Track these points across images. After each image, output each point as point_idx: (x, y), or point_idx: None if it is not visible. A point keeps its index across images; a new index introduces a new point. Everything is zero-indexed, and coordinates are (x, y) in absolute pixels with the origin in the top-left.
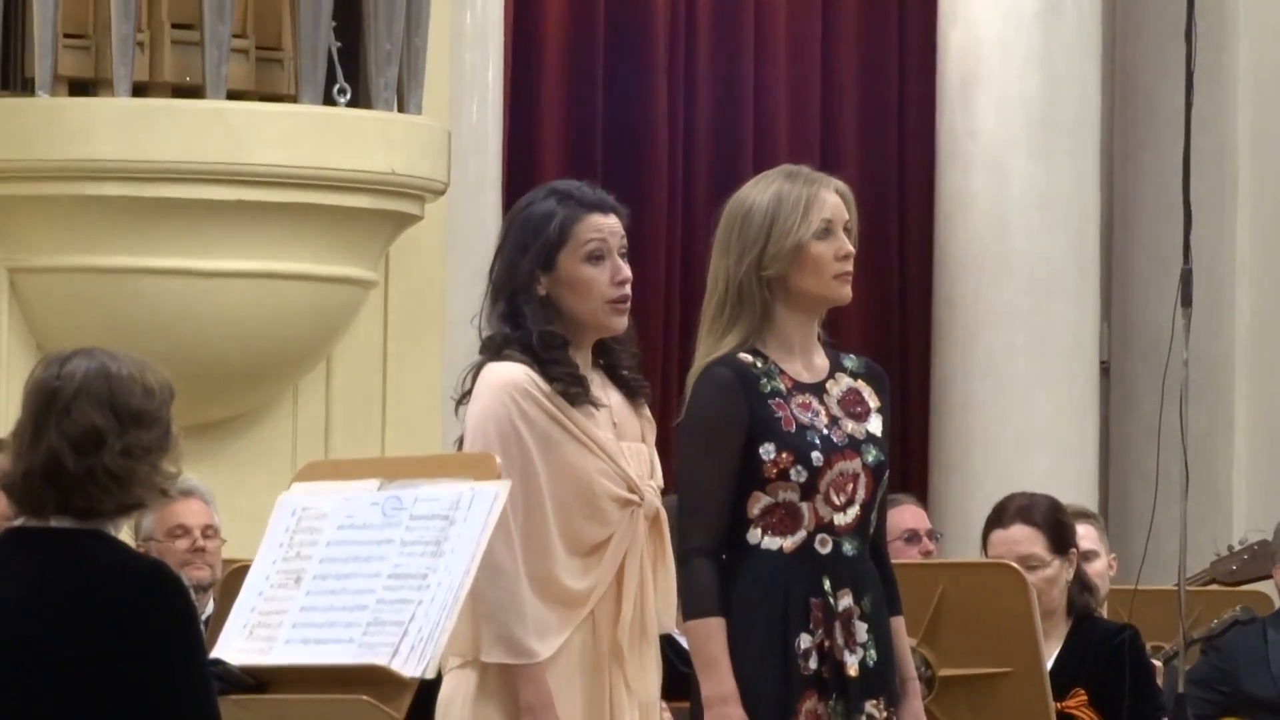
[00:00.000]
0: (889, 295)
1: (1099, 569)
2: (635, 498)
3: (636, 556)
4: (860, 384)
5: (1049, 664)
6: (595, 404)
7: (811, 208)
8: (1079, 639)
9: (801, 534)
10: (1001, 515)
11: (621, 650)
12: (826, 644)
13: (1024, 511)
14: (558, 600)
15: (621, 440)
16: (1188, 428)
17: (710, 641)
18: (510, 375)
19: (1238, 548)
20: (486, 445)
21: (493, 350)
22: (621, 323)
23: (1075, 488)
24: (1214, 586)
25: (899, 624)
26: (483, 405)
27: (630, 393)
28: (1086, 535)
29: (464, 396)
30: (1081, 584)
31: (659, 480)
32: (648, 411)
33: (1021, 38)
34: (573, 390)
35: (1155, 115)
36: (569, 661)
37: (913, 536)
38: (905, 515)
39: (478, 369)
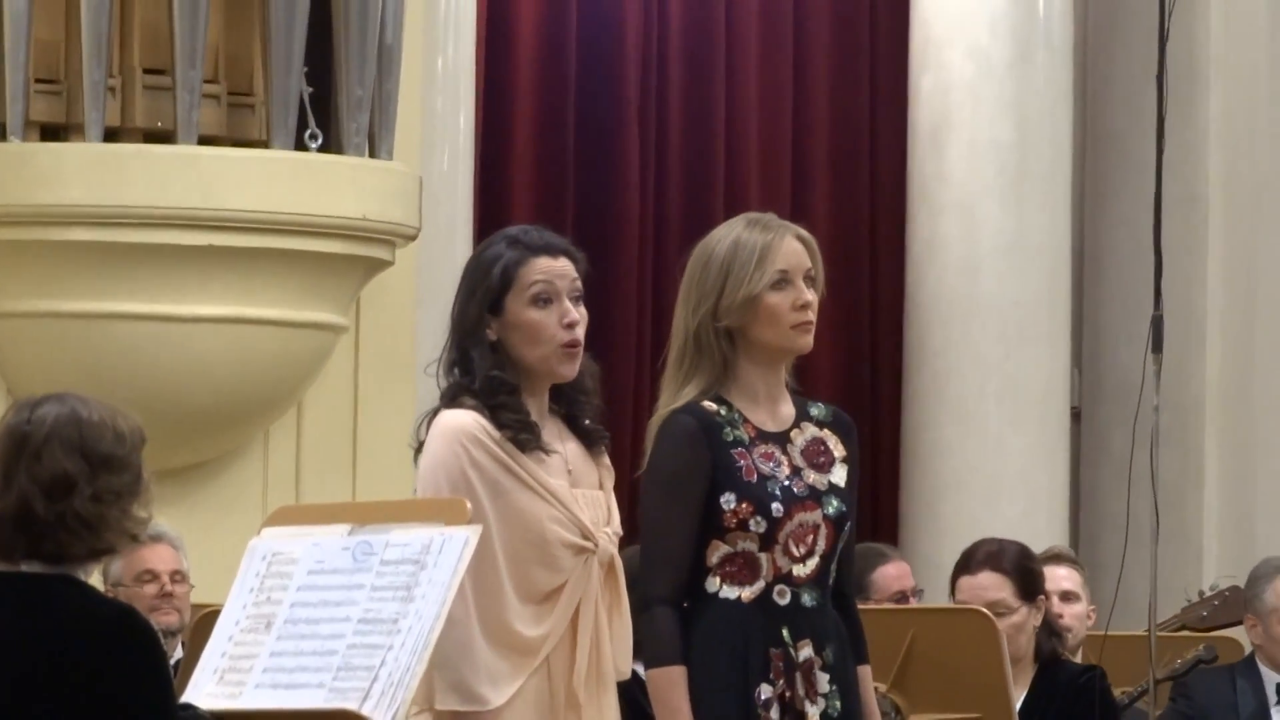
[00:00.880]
0: (859, 341)
1: (1079, 611)
2: (589, 544)
3: (591, 603)
4: (826, 433)
5: (1016, 708)
6: (545, 450)
7: (766, 258)
8: (1045, 682)
9: (760, 584)
10: (969, 561)
11: (578, 698)
12: (788, 694)
13: (992, 558)
14: (511, 647)
15: (577, 487)
16: (1158, 473)
17: (672, 690)
18: (459, 422)
19: (1208, 594)
20: (438, 494)
21: (449, 398)
22: (572, 370)
23: (1046, 533)
24: (1184, 632)
25: (865, 673)
26: (433, 454)
27: (589, 441)
28: (1069, 577)
29: (421, 445)
30: (1050, 629)
31: (616, 527)
32: (606, 459)
33: (992, 84)
34: (522, 437)
35: (1126, 161)
36: (523, 709)
37: (902, 598)
38: (889, 576)
39: (432, 417)
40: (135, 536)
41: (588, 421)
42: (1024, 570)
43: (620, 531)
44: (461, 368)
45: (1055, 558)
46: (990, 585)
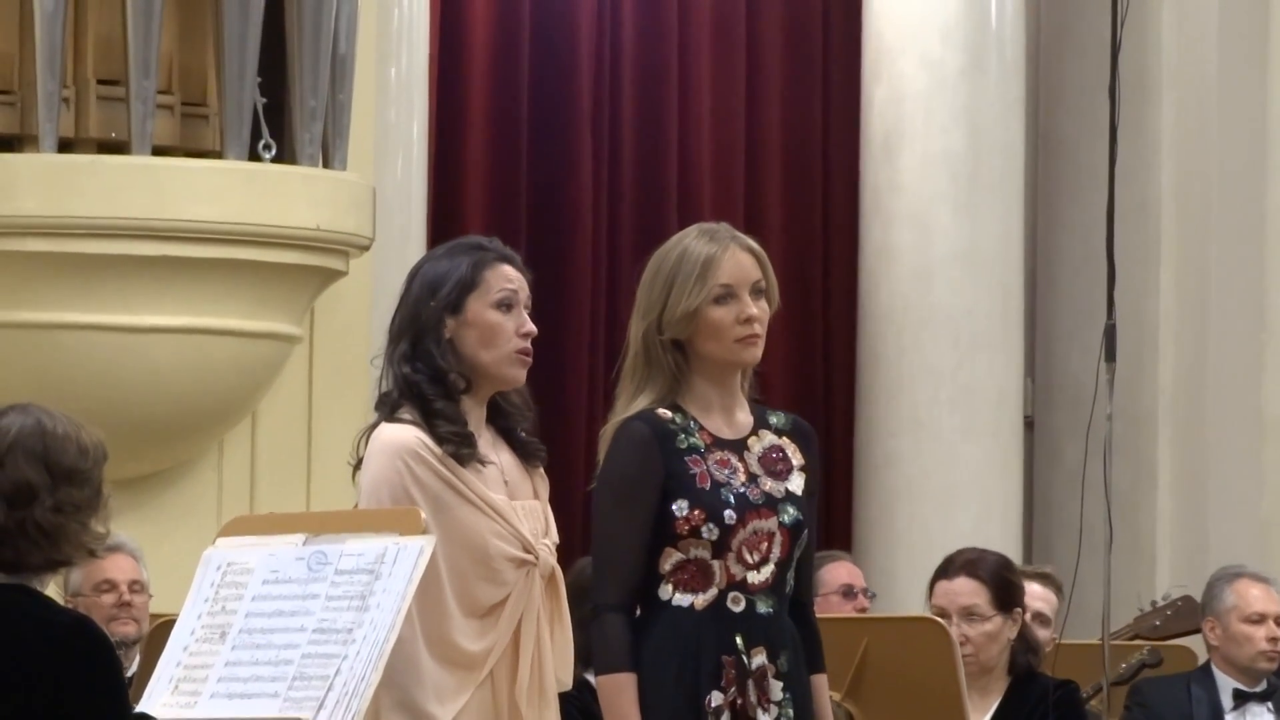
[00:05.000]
0: (813, 350)
1: (1044, 637)
2: (530, 557)
3: (533, 616)
4: (785, 441)
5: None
6: (483, 461)
7: (709, 271)
8: (1018, 696)
9: (713, 591)
10: (949, 567)
11: (520, 711)
12: (739, 702)
13: (971, 565)
14: (455, 663)
15: (514, 499)
16: (1111, 482)
17: (621, 696)
18: (401, 438)
19: (1161, 603)
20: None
21: (386, 409)
22: (521, 375)
23: (1000, 542)
24: (1137, 641)
25: (820, 681)
26: (375, 470)
27: (525, 455)
28: (1044, 599)
29: (360, 463)
30: (1026, 643)
31: (554, 538)
32: (542, 470)
33: (945, 94)
34: (463, 451)
35: (1079, 170)
36: None
37: (848, 591)
38: (840, 571)
39: (370, 432)
40: (93, 551)
41: (524, 434)
42: (1002, 580)
43: (558, 541)
44: (413, 365)
45: (1042, 576)
46: (965, 591)
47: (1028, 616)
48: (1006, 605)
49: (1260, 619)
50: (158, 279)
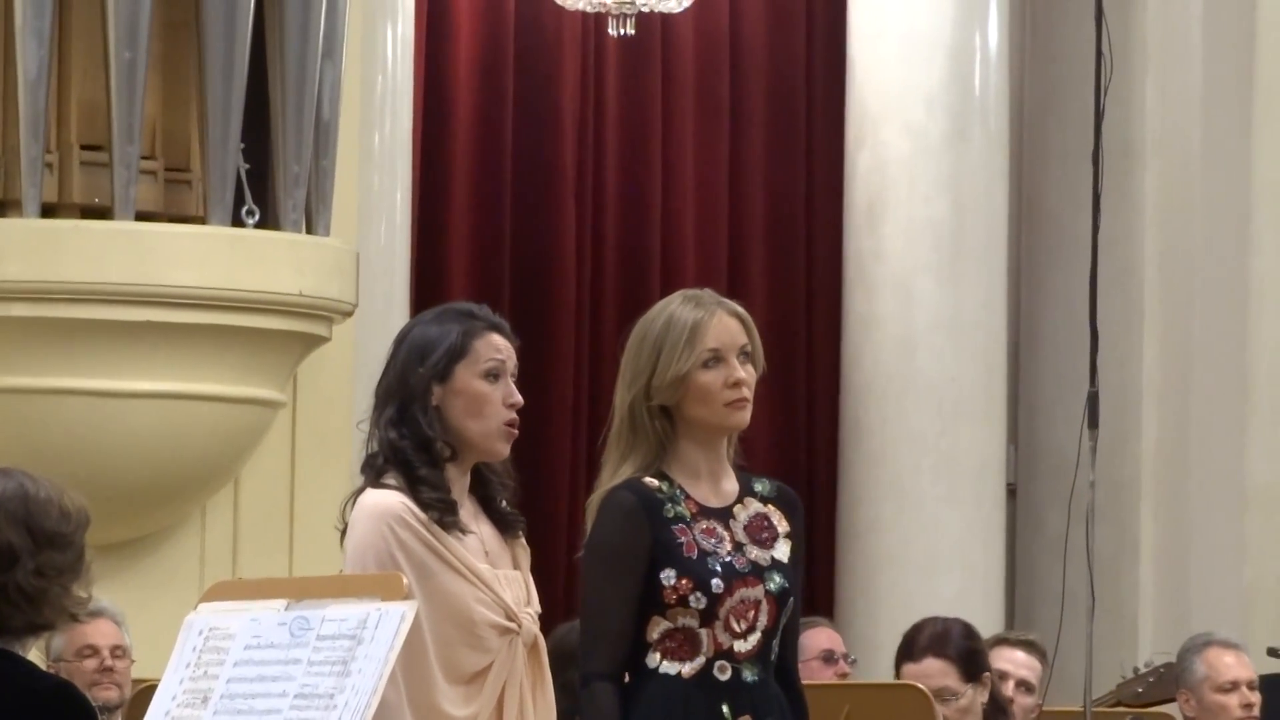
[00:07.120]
0: (795, 418)
1: (1028, 705)
2: (513, 625)
3: (516, 684)
4: (770, 508)
5: None
6: (464, 530)
7: (697, 337)
8: None
9: (700, 660)
10: (912, 648)
11: None
12: None
13: (935, 644)
14: None
15: (495, 568)
16: (1094, 549)
17: None
18: (386, 504)
19: (1144, 670)
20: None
21: (372, 473)
22: (505, 449)
23: (983, 610)
24: (1120, 708)
25: None
26: (360, 536)
27: (504, 526)
28: (1029, 667)
29: (347, 529)
30: (995, 703)
31: (536, 606)
32: (523, 540)
33: (929, 162)
34: (447, 519)
35: (1062, 238)
36: None
37: (829, 657)
38: (821, 637)
39: (356, 496)
40: (74, 616)
41: (504, 504)
42: (967, 652)
43: (540, 610)
44: (399, 430)
45: (1026, 644)
46: (934, 673)
47: (1012, 684)
48: (975, 675)
49: (1233, 686)
50: (141, 344)
